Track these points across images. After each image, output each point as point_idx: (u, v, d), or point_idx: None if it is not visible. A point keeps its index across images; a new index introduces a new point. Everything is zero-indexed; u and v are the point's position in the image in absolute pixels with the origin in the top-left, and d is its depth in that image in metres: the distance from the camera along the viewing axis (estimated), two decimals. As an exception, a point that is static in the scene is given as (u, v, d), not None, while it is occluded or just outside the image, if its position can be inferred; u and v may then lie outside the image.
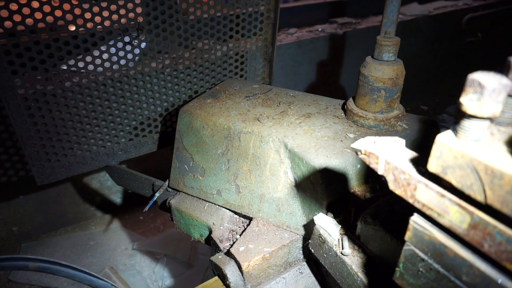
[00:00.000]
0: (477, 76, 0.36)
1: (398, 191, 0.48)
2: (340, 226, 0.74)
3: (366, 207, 0.69)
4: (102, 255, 1.74)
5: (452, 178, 0.40)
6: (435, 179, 0.43)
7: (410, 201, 0.47)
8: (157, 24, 1.05)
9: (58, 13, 0.90)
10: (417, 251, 0.48)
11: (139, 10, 1.02)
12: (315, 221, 0.74)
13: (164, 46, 1.09)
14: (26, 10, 0.85)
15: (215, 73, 1.19)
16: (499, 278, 0.39)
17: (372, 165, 0.51)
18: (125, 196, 2.00)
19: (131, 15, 1.01)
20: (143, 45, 1.08)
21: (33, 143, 0.97)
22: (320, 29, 2.44)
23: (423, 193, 0.44)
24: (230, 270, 0.79)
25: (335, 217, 0.75)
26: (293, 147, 0.80)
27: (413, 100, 3.32)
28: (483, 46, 3.35)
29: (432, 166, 0.42)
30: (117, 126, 1.09)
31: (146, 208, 1.04)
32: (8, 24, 0.85)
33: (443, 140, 0.40)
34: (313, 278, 0.86)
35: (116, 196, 1.98)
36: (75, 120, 1.02)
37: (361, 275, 0.65)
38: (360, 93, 0.87)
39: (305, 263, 0.86)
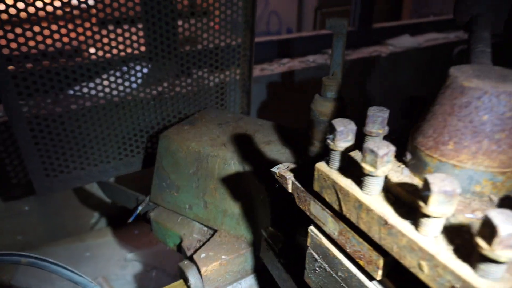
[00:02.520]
0: (333, 122, 0.50)
1: (301, 206, 0.62)
2: (283, 237, 0.86)
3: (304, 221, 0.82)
4: (96, 265, 1.87)
5: (325, 195, 0.54)
6: (321, 197, 0.57)
7: (308, 213, 0.60)
8: (154, 55, 1.23)
9: (58, 44, 1.08)
10: (313, 253, 0.61)
11: (136, 45, 1.20)
12: (262, 233, 0.87)
13: (156, 75, 1.26)
14: (31, 42, 1.04)
15: (197, 102, 1.36)
16: (357, 272, 0.52)
17: (284, 185, 0.64)
18: (121, 211, 2.15)
19: (129, 49, 1.19)
20: (139, 74, 1.25)
21: (35, 160, 1.13)
22: (311, 60, 2.61)
23: (313, 208, 0.58)
24: (191, 274, 0.92)
25: (279, 229, 0.88)
26: (249, 169, 0.94)
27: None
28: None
29: (315, 186, 0.56)
30: (108, 147, 1.25)
31: (130, 220, 1.18)
32: (15, 49, 1.03)
33: (319, 166, 0.54)
34: (268, 284, 0.98)
35: (113, 211, 2.13)
36: (72, 141, 1.18)
37: (290, 279, 0.78)
38: (310, 125, 1.01)
39: (261, 271, 0.99)
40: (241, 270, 0.97)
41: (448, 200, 0.35)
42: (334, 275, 0.57)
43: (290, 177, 0.62)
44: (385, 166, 0.42)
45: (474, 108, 0.40)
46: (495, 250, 0.32)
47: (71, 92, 1.17)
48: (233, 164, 0.98)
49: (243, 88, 1.39)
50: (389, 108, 0.53)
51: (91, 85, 1.17)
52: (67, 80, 1.12)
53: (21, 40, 1.00)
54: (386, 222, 0.42)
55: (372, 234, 0.45)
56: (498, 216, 0.32)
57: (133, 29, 1.17)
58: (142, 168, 1.31)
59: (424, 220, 0.38)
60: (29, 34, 1.01)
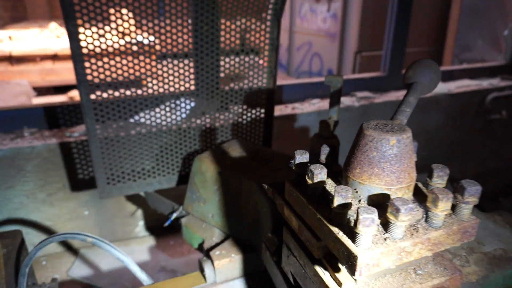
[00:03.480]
0: (310, 167, 0.76)
1: (279, 210, 0.87)
2: (277, 241, 1.10)
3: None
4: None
5: (290, 202, 0.79)
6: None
7: (283, 216, 0.85)
8: (201, 92, 1.57)
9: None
10: (286, 245, 0.85)
11: (187, 83, 1.55)
12: (263, 238, 1.12)
13: (200, 109, 1.59)
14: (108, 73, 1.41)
15: (228, 133, 1.67)
16: (306, 256, 0.76)
17: (270, 196, 0.90)
18: (161, 223, 2.48)
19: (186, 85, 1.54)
20: (188, 107, 1.59)
21: (100, 171, 1.49)
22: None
23: (285, 211, 0.83)
24: (207, 266, 1.18)
25: (276, 235, 1.12)
26: (257, 190, 1.21)
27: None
28: (508, 123, 3.50)
29: (286, 196, 0.81)
30: (155, 165, 1.59)
31: (166, 224, 1.48)
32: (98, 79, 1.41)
33: (287, 183, 0.79)
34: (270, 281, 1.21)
35: (154, 222, 2.46)
36: (128, 158, 1.53)
37: (279, 274, 1.01)
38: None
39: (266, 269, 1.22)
40: (247, 268, 1.21)
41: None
42: (297, 260, 0.81)
43: (272, 190, 0.88)
44: (319, 179, 0.68)
45: (368, 147, 0.65)
46: (358, 228, 0.56)
47: (131, 120, 1.53)
48: (245, 185, 1.25)
49: (266, 124, 1.68)
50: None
51: (147, 116, 1.52)
52: (129, 111, 1.48)
53: (101, 70, 1.37)
54: (318, 218, 0.67)
55: (312, 227, 0.70)
56: (362, 209, 0.57)
57: (185, 69, 1.52)
58: (177, 184, 1.63)
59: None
60: (106, 66, 1.37)
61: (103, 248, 1.15)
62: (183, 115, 1.59)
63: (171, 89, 1.52)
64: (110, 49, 1.35)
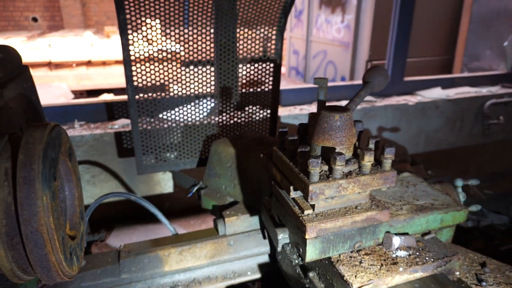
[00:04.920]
0: (287, 136, 1.12)
1: (269, 171, 1.22)
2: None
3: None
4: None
5: (276, 163, 1.15)
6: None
7: (271, 174, 1.21)
8: (219, 94, 1.95)
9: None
10: (274, 194, 1.21)
11: (208, 85, 1.94)
12: (262, 200, 1.47)
13: (219, 108, 1.98)
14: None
15: (241, 126, 2.04)
16: (286, 195, 1.12)
17: (264, 162, 1.26)
18: (184, 206, 2.87)
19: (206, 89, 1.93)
20: (209, 107, 1.97)
21: (139, 153, 1.89)
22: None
23: (273, 171, 1.19)
24: (220, 222, 1.55)
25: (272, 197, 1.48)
26: (259, 165, 1.57)
27: (436, 170, 3.76)
28: (505, 127, 3.72)
29: (273, 158, 1.17)
30: (181, 150, 1.97)
31: (189, 195, 1.87)
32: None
33: (274, 148, 1.15)
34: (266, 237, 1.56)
35: (180, 206, 2.85)
36: (161, 144, 1.93)
37: (272, 224, 1.36)
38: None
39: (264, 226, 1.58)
40: (250, 225, 1.57)
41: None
42: (280, 204, 1.16)
43: (265, 156, 1.24)
44: (292, 144, 1.04)
45: (322, 121, 1.00)
46: (309, 168, 0.92)
47: (161, 116, 1.93)
48: (252, 162, 1.61)
49: (271, 119, 2.04)
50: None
51: (177, 112, 1.92)
52: (163, 108, 1.88)
53: (143, 74, 1.78)
54: (290, 167, 1.02)
55: (287, 175, 1.06)
56: (312, 157, 0.92)
57: (208, 73, 1.91)
58: (197, 166, 2.01)
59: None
60: (146, 70, 1.78)
61: (142, 205, 1.53)
62: (205, 113, 1.97)
63: (196, 91, 1.91)
64: (149, 56, 1.76)
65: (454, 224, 1.21)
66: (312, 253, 1.02)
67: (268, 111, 2.04)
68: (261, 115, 2.05)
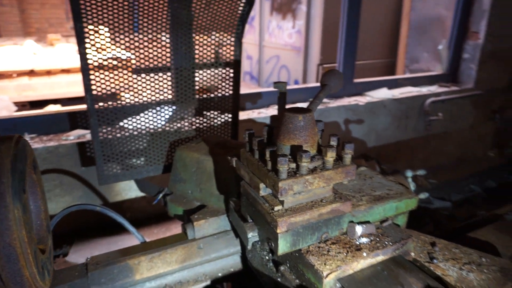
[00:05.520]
0: (252, 136, 1.18)
1: (237, 172, 1.27)
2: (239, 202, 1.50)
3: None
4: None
5: (245, 163, 1.20)
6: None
7: (240, 175, 1.25)
8: (177, 100, 1.96)
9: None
10: (243, 194, 1.25)
11: (166, 93, 1.94)
12: (230, 201, 1.51)
13: (179, 115, 1.99)
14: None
15: (203, 131, 2.07)
16: (254, 193, 1.17)
17: (232, 164, 1.30)
18: (147, 216, 2.82)
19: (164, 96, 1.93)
20: (168, 113, 1.97)
21: (100, 163, 1.85)
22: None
23: (242, 171, 1.23)
24: (188, 226, 1.56)
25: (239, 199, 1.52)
26: (224, 166, 1.61)
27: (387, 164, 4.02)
28: (444, 122, 4.08)
29: (241, 159, 1.22)
30: (143, 158, 1.96)
31: (154, 202, 1.86)
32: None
33: (242, 150, 1.20)
34: (235, 238, 1.60)
35: (142, 215, 2.80)
36: (121, 153, 1.90)
37: (243, 224, 1.41)
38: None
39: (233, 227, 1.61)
40: (219, 227, 1.60)
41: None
42: (250, 203, 1.21)
43: (234, 159, 1.29)
44: (258, 144, 1.09)
45: (287, 122, 1.07)
46: (278, 166, 0.98)
47: (122, 124, 1.90)
48: (217, 165, 1.65)
49: (233, 122, 2.09)
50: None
51: (137, 119, 1.90)
52: (123, 115, 1.86)
53: (102, 83, 1.75)
54: (259, 166, 1.08)
55: (257, 174, 1.11)
56: (280, 156, 0.98)
57: (167, 80, 1.92)
58: (162, 172, 2.01)
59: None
60: (105, 79, 1.76)
61: (109, 215, 1.51)
62: (166, 120, 1.98)
63: (156, 98, 1.91)
64: (108, 65, 1.74)
65: (407, 211, 1.33)
66: (283, 247, 1.08)
67: (230, 116, 2.09)
68: (222, 120, 2.09)
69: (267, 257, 1.31)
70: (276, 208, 1.08)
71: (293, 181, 1.01)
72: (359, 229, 1.15)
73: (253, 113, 3.13)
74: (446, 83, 4.29)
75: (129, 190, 2.61)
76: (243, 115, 3.05)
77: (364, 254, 1.08)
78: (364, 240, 1.14)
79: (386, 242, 1.13)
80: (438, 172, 2.27)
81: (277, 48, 6.56)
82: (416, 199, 1.32)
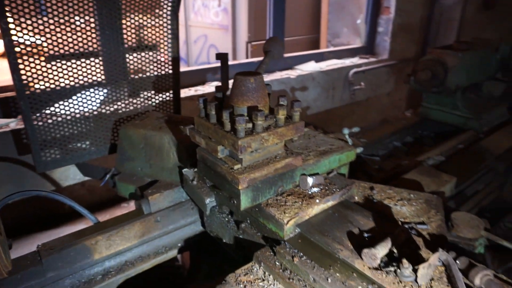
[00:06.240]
0: (209, 102, 1.21)
1: (192, 140, 1.30)
2: (195, 172, 1.54)
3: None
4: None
5: (200, 129, 1.23)
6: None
7: (195, 142, 1.29)
8: (110, 82, 1.89)
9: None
10: (199, 159, 1.30)
11: (97, 75, 1.86)
12: (183, 172, 1.54)
13: (113, 97, 1.92)
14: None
15: (145, 107, 2.03)
16: (213, 157, 1.22)
17: (185, 133, 1.33)
18: (89, 203, 2.70)
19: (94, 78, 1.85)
20: (101, 96, 1.89)
21: (36, 149, 1.73)
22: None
23: (197, 138, 1.27)
24: (143, 201, 1.56)
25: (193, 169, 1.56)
26: (173, 139, 1.62)
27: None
28: (366, 91, 4.47)
29: (196, 127, 1.25)
30: (83, 141, 1.87)
31: (102, 184, 1.80)
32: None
33: (196, 117, 1.23)
34: (191, 208, 1.64)
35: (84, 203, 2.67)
36: (60, 137, 1.79)
37: (200, 190, 1.45)
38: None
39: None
40: (175, 199, 1.62)
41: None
42: (209, 167, 1.26)
43: (188, 128, 1.32)
44: (213, 108, 1.14)
45: (239, 85, 1.13)
46: (236, 125, 1.04)
47: (56, 108, 1.79)
48: (166, 138, 1.65)
49: (175, 98, 2.09)
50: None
51: (69, 103, 1.80)
52: (55, 99, 1.74)
53: (31, 67, 1.62)
54: (216, 129, 1.13)
55: (213, 137, 1.16)
56: (237, 116, 1.04)
57: (96, 63, 1.83)
58: (109, 153, 1.94)
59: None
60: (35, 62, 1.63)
61: (55, 199, 1.44)
62: (100, 101, 1.90)
63: (91, 79, 1.82)
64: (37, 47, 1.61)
65: (348, 162, 1.49)
66: (245, 202, 1.16)
67: (171, 92, 2.08)
68: (164, 97, 2.07)
69: (226, 219, 1.37)
70: (235, 167, 1.15)
71: (251, 139, 1.08)
72: (310, 180, 1.26)
73: (190, 91, 3.12)
74: (365, 55, 4.67)
75: (67, 177, 2.46)
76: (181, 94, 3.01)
77: (317, 201, 1.20)
78: (315, 189, 1.27)
79: (334, 189, 1.27)
80: (365, 133, 2.52)
81: (204, 27, 6.46)
82: (355, 151, 1.49)
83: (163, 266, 1.61)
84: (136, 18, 1.87)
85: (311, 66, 3.99)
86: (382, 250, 0.94)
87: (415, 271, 0.88)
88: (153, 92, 2.05)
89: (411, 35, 4.86)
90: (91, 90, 1.88)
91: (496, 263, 2.47)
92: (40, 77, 1.68)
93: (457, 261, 0.93)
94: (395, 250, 0.97)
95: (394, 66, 4.68)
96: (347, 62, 4.37)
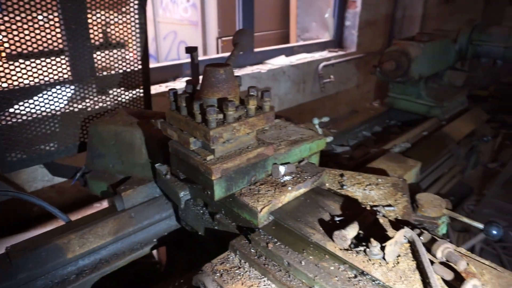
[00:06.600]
0: (178, 95, 1.21)
1: (164, 133, 1.30)
2: (167, 167, 1.53)
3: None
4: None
5: (171, 122, 1.24)
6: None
7: (167, 135, 1.29)
8: (76, 79, 1.84)
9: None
10: (172, 153, 1.30)
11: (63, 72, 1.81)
12: (156, 167, 1.53)
13: (80, 94, 1.87)
14: None
15: (115, 104, 2.00)
16: (186, 149, 1.23)
17: (157, 127, 1.33)
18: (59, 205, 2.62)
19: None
20: (68, 93, 1.84)
21: (1, 149, 1.67)
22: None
23: (169, 131, 1.27)
24: (117, 198, 1.54)
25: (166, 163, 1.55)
26: (147, 135, 1.61)
27: (292, 127, 4.36)
28: (335, 84, 4.57)
29: (167, 120, 1.25)
30: (53, 140, 1.82)
31: (73, 182, 1.76)
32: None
33: (168, 111, 1.23)
34: (165, 203, 1.64)
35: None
36: (24, 136, 1.73)
37: (173, 184, 1.45)
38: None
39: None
40: (149, 195, 1.61)
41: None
42: (181, 159, 1.27)
43: (159, 121, 1.31)
44: (184, 101, 1.14)
45: (209, 76, 1.14)
46: (207, 116, 1.05)
47: (19, 107, 1.73)
48: (137, 134, 1.64)
49: (145, 94, 2.06)
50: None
51: (33, 102, 1.74)
52: (19, 98, 1.68)
53: None
54: (187, 121, 1.13)
55: (185, 129, 1.16)
56: (208, 107, 1.05)
57: (61, 60, 1.78)
58: (78, 151, 1.90)
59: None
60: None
61: (24, 199, 1.40)
62: (66, 100, 1.85)
63: (58, 76, 1.77)
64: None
65: (319, 151, 1.53)
66: (219, 192, 1.17)
67: (141, 88, 2.05)
68: (134, 93, 2.04)
69: (201, 211, 1.38)
70: (208, 158, 1.16)
71: (222, 129, 1.09)
72: (282, 169, 1.29)
73: (161, 87, 3.08)
74: (334, 49, 4.77)
75: (33, 181, 2.38)
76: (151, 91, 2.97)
77: (289, 188, 1.24)
78: (287, 177, 1.30)
79: (306, 177, 1.30)
80: (335, 123, 2.59)
81: (173, 23, 6.38)
82: (325, 140, 1.53)
83: (139, 262, 1.60)
84: (103, 13, 1.83)
85: (281, 60, 4.03)
86: (351, 231, 0.98)
87: (382, 249, 0.93)
88: (122, 88, 2.02)
89: (377, 28, 5.00)
90: (57, 88, 1.83)
91: (460, 243, 2.61)
92: (1, 75, 1.62)
93: (421, 237, 0.99)
94: (362, 232, 1.01)
95: (362, 59, 4.81)
96: (317, 55, 4.45)
